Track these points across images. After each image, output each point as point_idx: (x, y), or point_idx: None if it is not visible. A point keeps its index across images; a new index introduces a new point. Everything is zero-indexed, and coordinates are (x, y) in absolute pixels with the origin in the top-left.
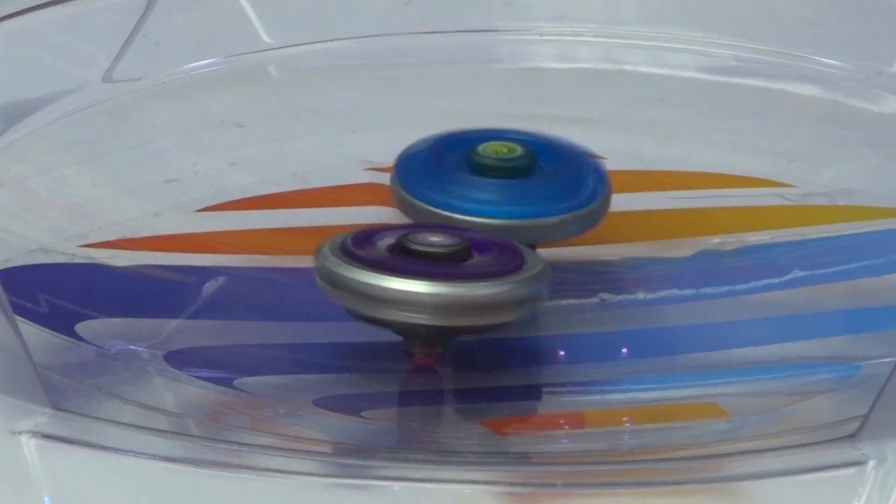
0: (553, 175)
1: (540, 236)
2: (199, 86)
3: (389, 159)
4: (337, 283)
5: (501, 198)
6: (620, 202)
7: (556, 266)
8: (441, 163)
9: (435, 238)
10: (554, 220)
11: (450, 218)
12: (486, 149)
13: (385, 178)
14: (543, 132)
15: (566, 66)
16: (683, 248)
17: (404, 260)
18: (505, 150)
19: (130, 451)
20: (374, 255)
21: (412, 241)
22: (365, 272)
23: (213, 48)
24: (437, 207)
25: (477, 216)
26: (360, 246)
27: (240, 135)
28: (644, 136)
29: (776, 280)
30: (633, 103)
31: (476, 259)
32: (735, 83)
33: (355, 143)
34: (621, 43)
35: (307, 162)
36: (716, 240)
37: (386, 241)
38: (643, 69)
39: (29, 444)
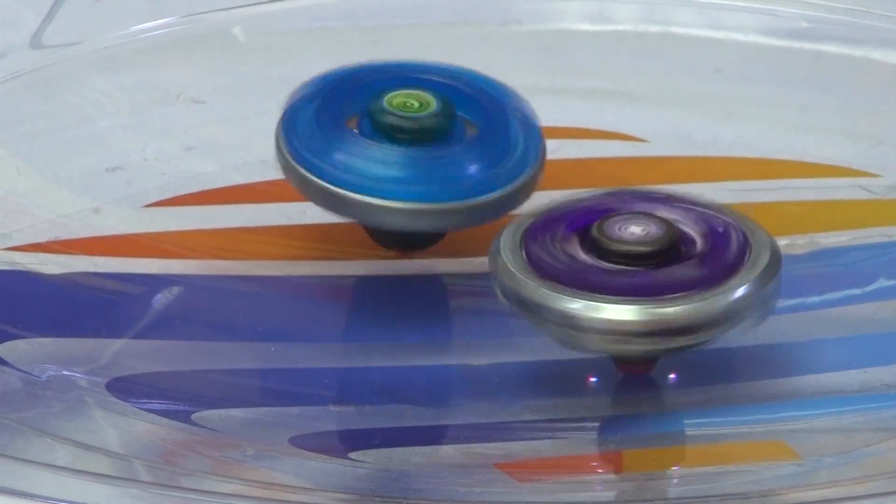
0: (476, 139)
1: (455, 223)
2: (149, 52)
3: None
4: (524, 303)
5: (407, 172)
6: None
7: None
8: (336, 114)
9: (635, 228)
10: (474, 202)
11: (341, 197)
12: (392, 101)
13: None
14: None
15: (600, 27)
16: None
17: (601, 268)
18: (416, 103)
19: (65, 502)
20: (563, 261)
21: (607, 237)
22: (556, 295)
23: (166, 6)
24: (326, 181)
25: (374, 196)
26: (543, 245)
27: (198, 112)
28: (696, 115)
29: (857, 291)
30: (683, 74)
31: (688, 252)
32: (807, 49)
33: None
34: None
35: None
36: (783, 242)
37: (572, 235)
38: (694, 32)
39: None
